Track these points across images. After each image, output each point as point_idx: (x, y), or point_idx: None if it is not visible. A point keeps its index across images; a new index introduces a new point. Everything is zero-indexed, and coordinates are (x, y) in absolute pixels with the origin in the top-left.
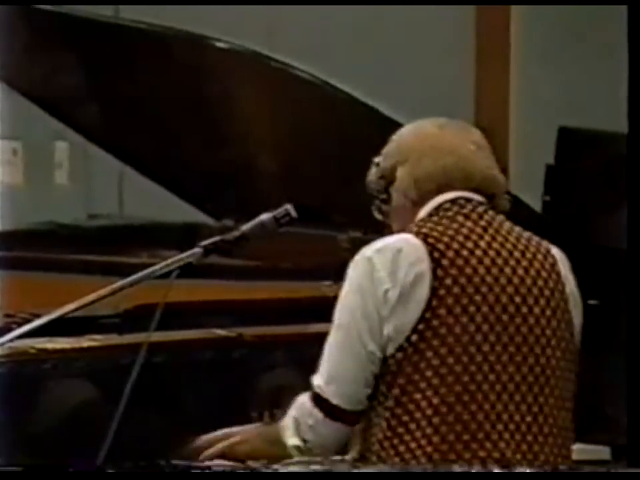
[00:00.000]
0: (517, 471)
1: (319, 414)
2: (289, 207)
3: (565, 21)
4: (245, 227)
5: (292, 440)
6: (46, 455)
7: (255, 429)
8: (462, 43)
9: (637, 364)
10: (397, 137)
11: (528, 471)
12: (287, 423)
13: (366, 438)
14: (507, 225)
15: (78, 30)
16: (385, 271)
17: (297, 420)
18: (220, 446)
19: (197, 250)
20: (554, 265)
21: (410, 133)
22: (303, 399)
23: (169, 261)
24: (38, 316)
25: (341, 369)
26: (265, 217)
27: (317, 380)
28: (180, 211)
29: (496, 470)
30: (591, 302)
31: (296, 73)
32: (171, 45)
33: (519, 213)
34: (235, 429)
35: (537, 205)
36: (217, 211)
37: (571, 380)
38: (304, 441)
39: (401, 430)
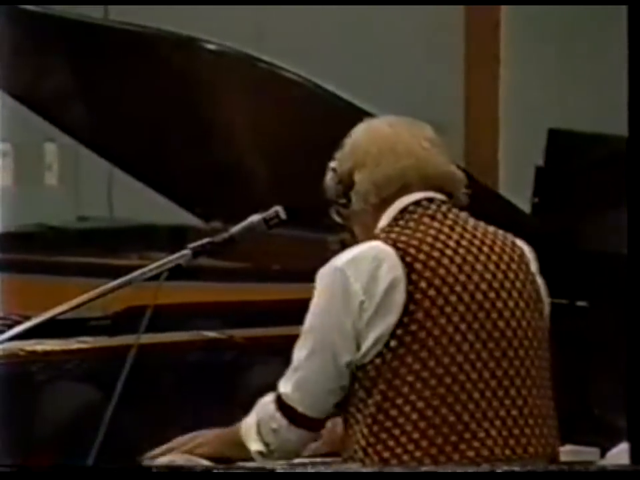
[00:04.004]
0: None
1: (282, 420)
2: (278, 208)
3: (554, 24)
4: (234, 229)
5: (254, 445)
6: (36, 455)
7: (213, 431)
8: (451, 45)
9: (636, 364)
10: (351, 140)
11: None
12: (249, 426)
13: (347, 446)
14: (471, 221)
15: (67, 32)
16: (359, 283)
17: (259, 423)
18: (182, 449)
19: (186, 252)
20: (522, 256)
21: (363, 136)
22: (266, 401)
23: (158, 263)
24: (27, 318)
25: (310, 378)
26: (254, 218)
27: (283, 386)
28: (169, 213)
29: (498, 470)
30: (580, 303)
31: (285, 74)
32: (160, 47)
33: (507, 214)
34: (197, 433)
35: (526, 207)
36: (206, 212)
37: (547, 368)
38: (266, 444)
39: (384, 436)
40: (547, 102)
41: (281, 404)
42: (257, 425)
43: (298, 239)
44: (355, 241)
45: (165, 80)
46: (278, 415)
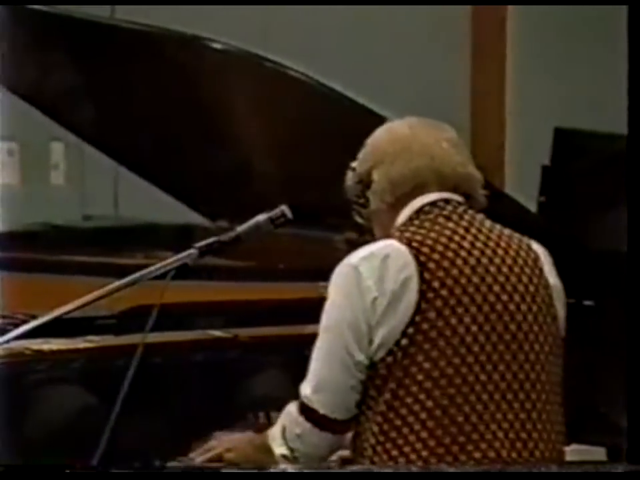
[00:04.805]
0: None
1: (306, 424)
2: (284, 207)
3: (560, 22)
4: (241, 228)
5: (279, 449)
6: (41, 455)
7: (246, 435)
8: (458, 44)
9: (636, 364)
10: (371, 141)
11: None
12: (275, 431)
13: (357, 443)
14: (488, 223)
15: (73, 31)
16: (372, 279)
17: (285, 429)
18: (210, 454)
19: (192, 251)
20: (536, 260)
21: (383, 136)
22: (291, 408)
23: (165, 262)
24: (34, 317)
25: (329, 378)
26: (260, 218)
27: (304, 389)
28: (175, 212)
29: (495, 470)
30: (586, 302)
31: (291, 73)
32: (166, 46)
33: (514, 213)
34: (226, 437)
35: (532, 206)
36: (212, 211)
37: (558, 373)
38: (291, 450)
39: (393, 434)
40: (553, 101)
41: (303, 408)
42: (282, 431)
43: (303, 238)
44: (374, 241)
45: (171, 79)
46: (301, 419)
